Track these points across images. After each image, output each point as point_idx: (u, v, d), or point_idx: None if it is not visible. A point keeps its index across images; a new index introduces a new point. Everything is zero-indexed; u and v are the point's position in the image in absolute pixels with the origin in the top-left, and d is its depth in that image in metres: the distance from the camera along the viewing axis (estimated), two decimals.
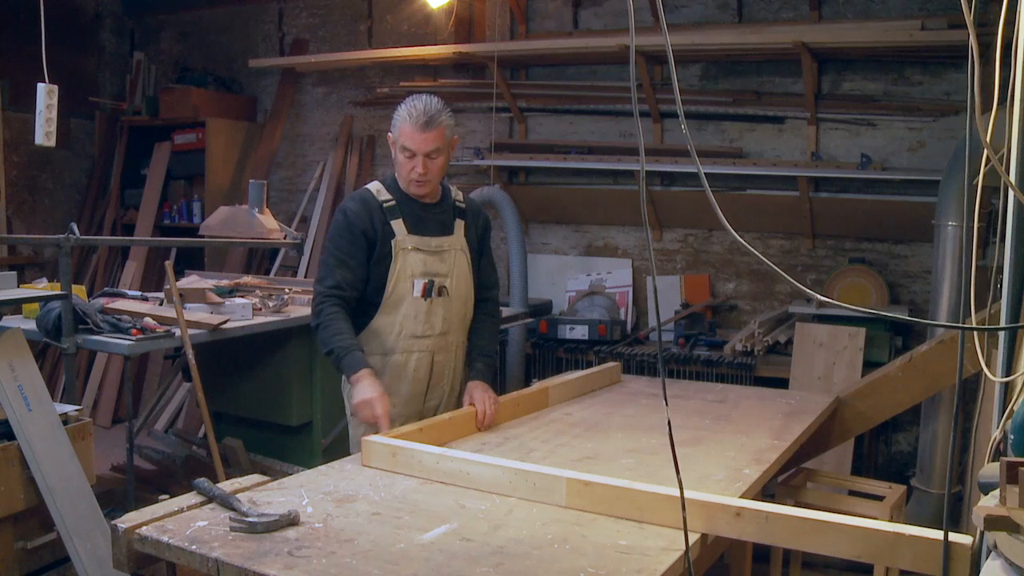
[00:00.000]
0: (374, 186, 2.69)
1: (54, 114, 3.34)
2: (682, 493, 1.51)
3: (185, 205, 6.39)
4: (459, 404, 2.68)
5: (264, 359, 4.10)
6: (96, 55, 6.87)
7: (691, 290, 5.16)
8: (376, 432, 2.30)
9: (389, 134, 2.66)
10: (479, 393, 2.57)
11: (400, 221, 2.61)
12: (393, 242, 2.59)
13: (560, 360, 4.85)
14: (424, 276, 2.62)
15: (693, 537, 1.68)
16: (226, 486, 1.91)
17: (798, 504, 2.77)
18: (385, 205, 2.62)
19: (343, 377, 2.70)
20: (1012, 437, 1.48)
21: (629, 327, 5.18)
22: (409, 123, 2.53)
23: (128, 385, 3.58)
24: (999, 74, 2.20)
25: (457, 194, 2.79)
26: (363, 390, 2.41)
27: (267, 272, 6.05)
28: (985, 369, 1.71)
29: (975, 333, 1.90)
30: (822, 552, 1.67)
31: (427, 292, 2.62)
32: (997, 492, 1.27)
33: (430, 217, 2.68)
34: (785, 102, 4.81)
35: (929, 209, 3.97)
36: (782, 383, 4.29)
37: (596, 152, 5.21)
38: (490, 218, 2.93)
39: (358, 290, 2.61)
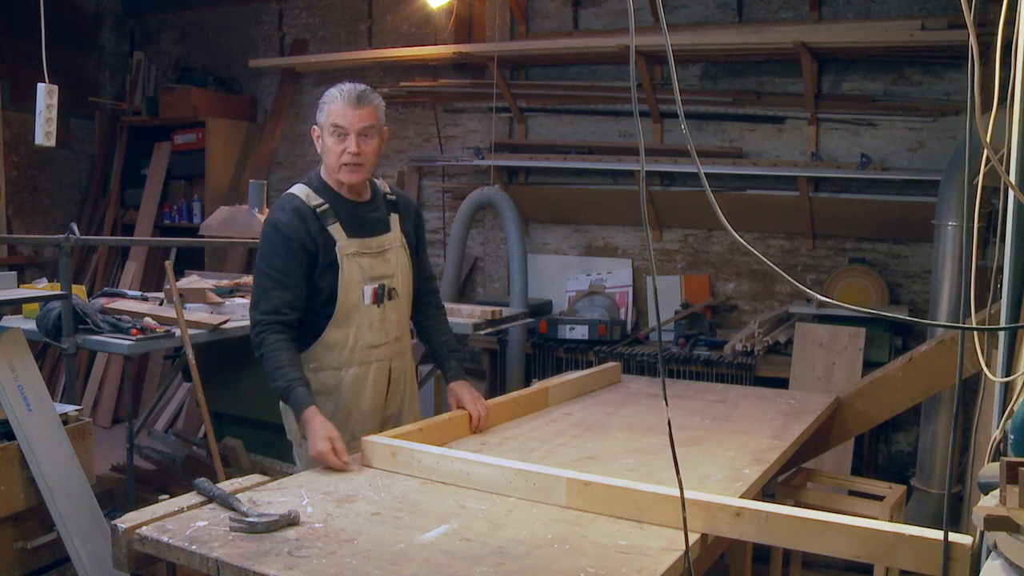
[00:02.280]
0: (301, 191, 2.45)
1: (54, 114, 3.34)
2: (682, 493, 1.51)
3: (185, 205, 6.39)
4: (423, 404, 2.59)
5: None
6: (96, 55, 6.88)
7: (691, 290, 5.16)
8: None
9: (314, 127, 2.45)
10: (467, 396, 2.51)
11: (337, 225, 2.42)
12: (336, 249, 2.40)
13: (560, 360, 4.85)
14: (373, 281, 2.46)
15: (693, 537, 1.68)
16: (226, 486, 1.91)
17: (798, 504, 2.77)
18: (318, 210, 2.40)
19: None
20: (1012, 437, 1.48)
21: (629, 327, 5.18)
22: (340, 100, 2.36)
23: (128, 385, 3.58)
24: (999, 74, 2.21)
25: (384, 185, 2.62)
26: (318, 433, 2.17)
27: None
28: (985, 369, 1.71)
29: (975, 333, 1.90)
30: (822, 552, 1.67)
31: (379, 298, 2.48)
32: (997, 492, 1.27)
33: (365, 216, 2.50)
34: (785, 102, 4.81)
35: (929, 209, 3.98)
36: (782, 383, 4.30)
37: (596, 152, 5.21)
38: (420, 208, 2.79)
39: (300, 309, 2.39)
